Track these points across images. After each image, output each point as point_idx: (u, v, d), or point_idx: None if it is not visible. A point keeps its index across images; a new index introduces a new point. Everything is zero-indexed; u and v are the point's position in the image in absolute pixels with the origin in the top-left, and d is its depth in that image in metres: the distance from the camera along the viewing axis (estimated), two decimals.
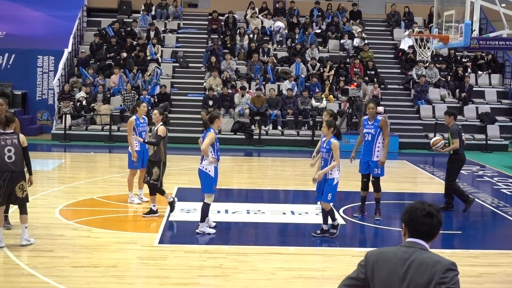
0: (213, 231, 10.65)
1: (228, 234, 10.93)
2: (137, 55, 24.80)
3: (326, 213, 10.51)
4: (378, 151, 11.61)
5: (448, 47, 18.82)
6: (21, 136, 9.62)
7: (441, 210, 12.80)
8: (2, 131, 9.45)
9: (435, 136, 12.93)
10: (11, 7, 26.25)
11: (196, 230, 10.60)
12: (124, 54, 24.90)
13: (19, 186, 9.47)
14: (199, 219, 10.64)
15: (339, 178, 10.42)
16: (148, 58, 25.02)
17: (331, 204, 10.48)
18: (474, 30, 15.89)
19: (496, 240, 11.43)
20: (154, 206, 11.53)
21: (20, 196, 9.52)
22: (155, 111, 11.69)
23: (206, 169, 10.34)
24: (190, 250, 9.79)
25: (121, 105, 23.09)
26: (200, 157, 10.55)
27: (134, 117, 12.45)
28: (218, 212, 11.67)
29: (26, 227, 9.68)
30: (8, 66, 24.53)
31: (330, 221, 10.55)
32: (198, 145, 11.02)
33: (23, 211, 9.66)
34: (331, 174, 10.27)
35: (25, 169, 9.63)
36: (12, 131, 9.52)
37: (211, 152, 10.28)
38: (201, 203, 10.60)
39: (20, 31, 25.52)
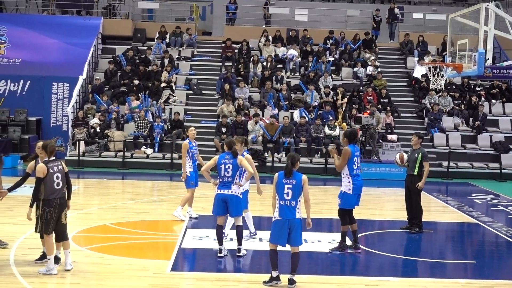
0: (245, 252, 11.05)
1: (240, 261, 10.87)
2: (152, 82, 24.99)
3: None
4: (343, 181, 11.46)
5: (462, 75, 18.78)
6: (62, 162, 9.88)
7: (417, 233, 12.89)
8: (48, 159, 9.57)
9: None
10: (28, 34, 26.56)
11: (239, 254, 10.86)
12: (136, 82, 25.07)
13: (64, 213, 9.68)
14: (237, 244, 10.92)
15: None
16: (162, 85, 25.14)
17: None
18: (488, 59, 15.85)
19: (511, 270, 11.29)
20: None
21: (64, 222, 9.71)
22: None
23: (237, 193, 10.72)
24: (202, 278, 9.75)
25: (134, 132, 23.19)
26: (223, 184, 10.61)
27: (187, 140, 13.49)
28: (231, 239, 11.61)
29: (69, 252, 9.83)
30: (24, 93, 24.74)
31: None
32: (214, 173, 11.04)
33: (65, 237, 9.78)
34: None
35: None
36: (54, 158, 9.67)
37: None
38: (214, 230, 10.67)
39: (36, 58, 25.77)
